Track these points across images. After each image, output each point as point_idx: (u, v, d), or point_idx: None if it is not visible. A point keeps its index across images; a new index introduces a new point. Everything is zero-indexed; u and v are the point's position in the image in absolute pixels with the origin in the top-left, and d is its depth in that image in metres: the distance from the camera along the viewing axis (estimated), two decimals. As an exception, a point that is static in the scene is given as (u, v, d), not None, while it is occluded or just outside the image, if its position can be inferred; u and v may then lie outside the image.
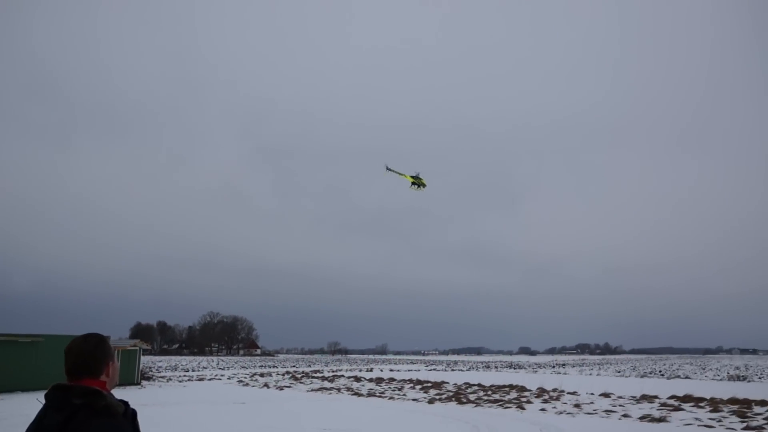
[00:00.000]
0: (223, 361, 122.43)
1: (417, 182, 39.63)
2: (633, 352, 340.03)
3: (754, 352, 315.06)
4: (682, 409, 23.73)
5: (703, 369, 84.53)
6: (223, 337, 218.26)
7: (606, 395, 29.96)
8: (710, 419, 20.75)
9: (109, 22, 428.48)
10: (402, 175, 39.58)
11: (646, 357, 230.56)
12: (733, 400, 25.71)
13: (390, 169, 39.07)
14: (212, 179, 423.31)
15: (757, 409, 23.29)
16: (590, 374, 63.60)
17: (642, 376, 58.83)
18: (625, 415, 22.09)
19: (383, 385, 40.41)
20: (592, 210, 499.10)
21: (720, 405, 24.60)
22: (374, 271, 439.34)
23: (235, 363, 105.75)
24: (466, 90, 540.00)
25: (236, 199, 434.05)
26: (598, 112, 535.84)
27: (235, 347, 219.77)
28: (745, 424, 19.28)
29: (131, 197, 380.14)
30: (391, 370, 68.87)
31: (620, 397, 28.91)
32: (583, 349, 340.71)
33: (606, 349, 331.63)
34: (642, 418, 21.29)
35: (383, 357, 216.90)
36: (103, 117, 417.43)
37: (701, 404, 25.26)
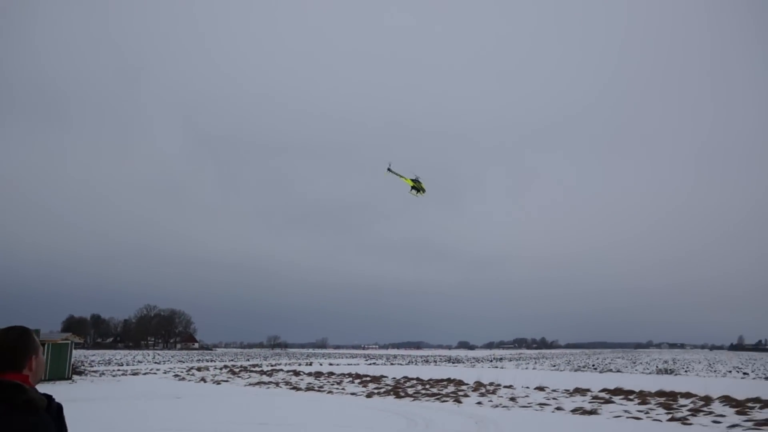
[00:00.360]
0: (159, 355, 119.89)
1: (417, 186, 39.22)
2: (568, 346, 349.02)
3: (682, 346, 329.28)
4: (613, 402, 24.54)
5: (634, 363, 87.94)
6: (159, 330, 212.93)
7: (541, 389, 30.70)
8: (638, 411, 21.54)
9: (46, 7, 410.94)
10: (402, 177, 38.88)
11: (580, 351, 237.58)
12: (660, 393, 26.72)
13: (391, 171, 38.33)
14: (151, 169, 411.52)
15: (682, 401, 24.31)
16: (526, 368, 65.19)
17: (576, 370, 60.66)
18: (558, 408, 22.70)
19: (322, 379, 40.33)
20: (529, 210, 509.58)
21: (648, 397, 25.54)
22: (315, 264, 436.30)
23: (172, 357, 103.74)
24: (415, 87, 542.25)
25: (175, 190, 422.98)
26: (541, 115, 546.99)
27: (172, 341, 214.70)
28: (670, 416, 20.10)
29: (67, 186, 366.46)
30: (331, 364, 68.86)
31: (554, 391, 29.66)
32: (520, 343, 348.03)
33: (542, 344, 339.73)
34: (574, 410, 21.92)
35: (323, 351, 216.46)
36: (37, 103, 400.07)
37: (630, 397, 26.18)
